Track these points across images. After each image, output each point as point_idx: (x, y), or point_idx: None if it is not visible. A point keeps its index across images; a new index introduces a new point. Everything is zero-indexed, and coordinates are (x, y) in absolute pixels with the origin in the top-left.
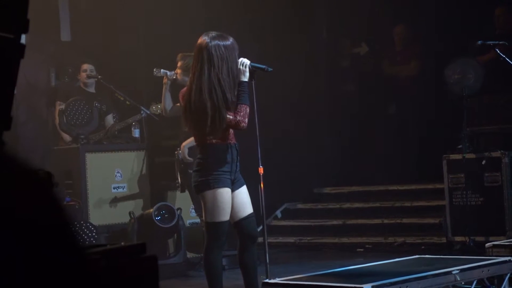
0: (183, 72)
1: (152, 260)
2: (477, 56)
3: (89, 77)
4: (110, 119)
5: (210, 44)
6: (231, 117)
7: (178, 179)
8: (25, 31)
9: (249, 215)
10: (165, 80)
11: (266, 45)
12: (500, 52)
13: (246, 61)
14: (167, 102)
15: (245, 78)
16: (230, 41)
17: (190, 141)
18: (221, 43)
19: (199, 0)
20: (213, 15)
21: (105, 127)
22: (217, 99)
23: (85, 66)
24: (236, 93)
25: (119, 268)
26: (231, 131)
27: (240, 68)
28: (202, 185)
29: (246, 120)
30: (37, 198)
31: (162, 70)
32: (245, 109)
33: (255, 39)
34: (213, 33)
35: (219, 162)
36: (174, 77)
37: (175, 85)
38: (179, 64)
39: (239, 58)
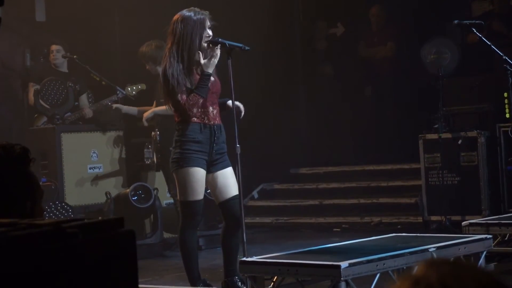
0: (151, 63)
1: (130, 234)
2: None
3: (63, 57)
4: (84, 99)
5: (178, 19)
6: (182, 101)
7: (154, 158)
8: (0, 4)
9: (234, 197)
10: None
11: (242, 27)
12: (476, 31)
13: (217, 53)
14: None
15: (210, 70)
16: (199, 16)
17: (160, 109)
18: (189, 17)
19: None
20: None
21: (80, 107)
22: (173, 71)
23: (53, 47)
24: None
25: (96, 241)
26: (211, 110)
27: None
28: (175, 164)
29: (194, 110)
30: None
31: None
32: (196, 100)
33: (230, 22)
34: (189, 8)
35: (190, 141)
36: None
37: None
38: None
39: (215, 37)
